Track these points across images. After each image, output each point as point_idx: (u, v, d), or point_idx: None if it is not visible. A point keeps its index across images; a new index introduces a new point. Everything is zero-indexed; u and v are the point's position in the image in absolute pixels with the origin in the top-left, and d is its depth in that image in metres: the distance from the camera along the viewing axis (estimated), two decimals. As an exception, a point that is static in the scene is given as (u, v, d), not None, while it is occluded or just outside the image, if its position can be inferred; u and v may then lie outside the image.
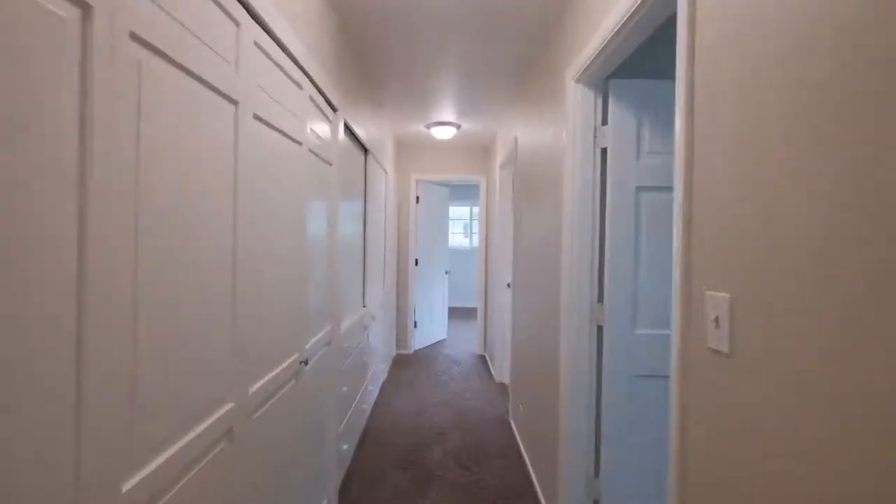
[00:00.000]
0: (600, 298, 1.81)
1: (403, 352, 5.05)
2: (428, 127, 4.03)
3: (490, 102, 3.41)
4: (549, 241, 2.18)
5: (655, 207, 1.75)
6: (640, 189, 1.74)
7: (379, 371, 3.65)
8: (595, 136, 1.78)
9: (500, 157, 4.00)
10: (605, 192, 1.77)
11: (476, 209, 8.66)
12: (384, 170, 3.82)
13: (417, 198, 5.13)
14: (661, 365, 1.76)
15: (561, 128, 2.00)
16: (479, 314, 5.13)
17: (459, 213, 8.78)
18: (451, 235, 8.71)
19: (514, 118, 3.30)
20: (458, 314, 7.64)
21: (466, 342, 5.63)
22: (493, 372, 4.30)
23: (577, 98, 1.79)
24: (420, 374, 4.32)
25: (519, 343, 3.00)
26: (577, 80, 1.77)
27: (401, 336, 5.06)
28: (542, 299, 2.34)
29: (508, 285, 4.10)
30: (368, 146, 2.99)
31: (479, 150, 5.06)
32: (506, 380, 4.08)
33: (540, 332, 2.38)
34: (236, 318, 1.09)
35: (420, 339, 5.29)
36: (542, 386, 2.31)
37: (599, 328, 1.82)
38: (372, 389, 3.28)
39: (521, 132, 3.02)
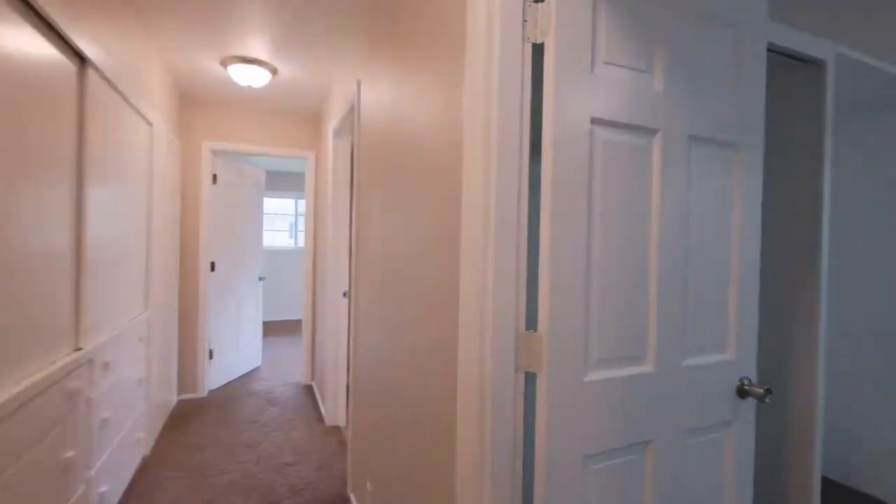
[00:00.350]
0: (531, 324, 0.99)
1: (191, 396, 3.52)
2: (225, 64, 2.73)
3: (325, 30, 2.36)
4: (430, 226, 1.29)
5: (622, 158, 1.02)
6: (596, 123, 0.99)
7: (130, 446, 2.20)
8: (524, 21, 0.96)
9: (334, 119, 2.95)
10: (540, 128, 0.97)
11: (302, 203, 7.30)
12: (143, 117, 2.39)
13: (215, 177, 3.67)
14: (630, 429, 1.04)
15: (451, 36, 1.14)
16: (306, 332, 3.95)
17: (283, 206, 7.28)
18: (272, 234, 7.15)
19: (358, 52, 2.33)
20: (280, 330, 6.18)
21: (289, 368, 4.35)
22: (323, 411, 3.21)
23: (490, -55, 0.94)
24: (215, 428, 2.94)
25: (365, 379, 2.04)
26: None
27: (187, 374, 3.51)
28: (411, 321, 1.44)
29: (345, 294, 3.09)
30: (90, 54, 1.62)
31: (306, 114, 3.90)
32: (342, 422, 3.05)
33: (407, 371, 1.47)
34: None
35: (219, 374, 3.81)
36: (417, 463, 1.39)
37: (529, 375, 1.00)
38: (105, 492, 1.86)
39: (369, 72, 2.07)
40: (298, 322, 6.78)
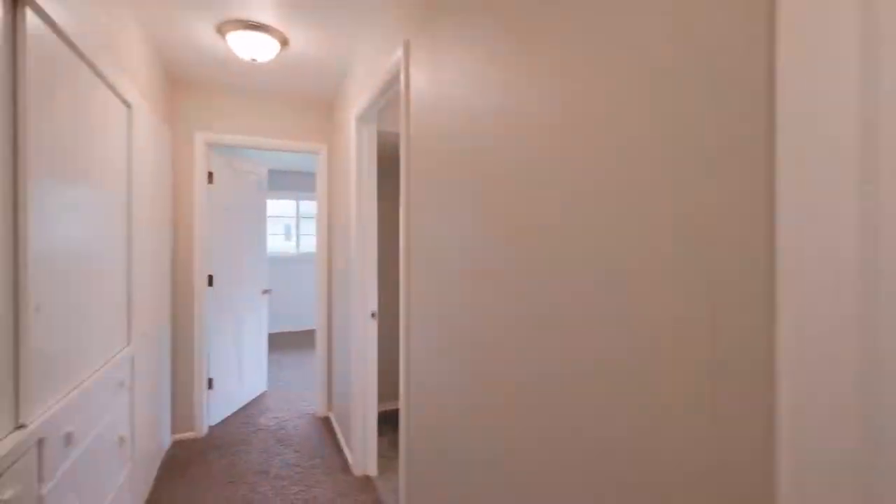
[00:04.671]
0: None
1: (188, 436, 2.96)
2: (223, 31, 2.18)
3: (348, -17, 1.85)
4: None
5: None
6: None
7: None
8: None
9: (361, 100, 2.39)
10: None
11: (306, 204, 6.74)
12: (119, 96, 1.83)
13: (210, 175, 3.12)
14: None
15: None
16: (321, 351, 3.40)
17: (280, 208, 6.70)
18: (269, 237, 6.57)
19: (405, 5, 1.79)
20: (285, 343, 5.62)
21: (299, 392, 3.80)
22: (349, 457, 2.66)
23: None
24: (218, 484, 2.39)
25: (427, 426, 1.50)
26: None
27: (182, 409, 2.96)
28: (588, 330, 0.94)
29: (373, 315, 2.55)
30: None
31: (319, 99, 3.34)
32: (372, 470, 2.52)
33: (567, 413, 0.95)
34: None
35: (219, 407, 3.25)
36: None
37: None
38: None
39: (427, 30, 1.53)
40: (303, 333, 6.23)
